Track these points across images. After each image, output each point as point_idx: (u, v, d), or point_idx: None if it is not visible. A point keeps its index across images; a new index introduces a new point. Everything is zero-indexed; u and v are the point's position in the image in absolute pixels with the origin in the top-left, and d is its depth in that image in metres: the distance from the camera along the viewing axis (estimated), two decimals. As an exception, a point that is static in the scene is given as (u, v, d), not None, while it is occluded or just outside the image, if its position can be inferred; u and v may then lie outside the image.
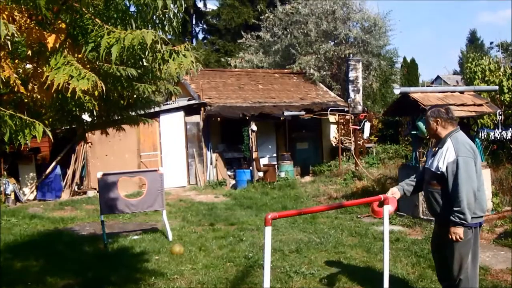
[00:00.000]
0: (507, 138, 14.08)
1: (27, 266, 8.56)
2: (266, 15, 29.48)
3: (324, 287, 6.97)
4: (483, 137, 14.27)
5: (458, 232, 5.13)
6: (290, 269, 7.64)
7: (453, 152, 5.22)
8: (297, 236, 9.92)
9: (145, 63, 4.11)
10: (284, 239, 9.66)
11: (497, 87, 15.05)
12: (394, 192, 5.82)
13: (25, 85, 3.67)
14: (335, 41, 27.20)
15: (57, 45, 3.48)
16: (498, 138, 14.18)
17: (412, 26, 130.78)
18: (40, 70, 3.62)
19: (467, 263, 5.32)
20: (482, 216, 5.40)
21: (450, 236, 5.18)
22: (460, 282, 5.38)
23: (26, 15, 3.48)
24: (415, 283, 6.87)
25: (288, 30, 27.82)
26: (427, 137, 11.12)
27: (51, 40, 3.43)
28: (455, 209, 5.09)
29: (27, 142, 3.58)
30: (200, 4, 42.68)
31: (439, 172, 5.30)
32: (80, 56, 3.68)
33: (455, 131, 5.43)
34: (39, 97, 3.87)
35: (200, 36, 44.73)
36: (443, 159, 5.29)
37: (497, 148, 15.94)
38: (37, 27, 3.48)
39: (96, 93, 3.54)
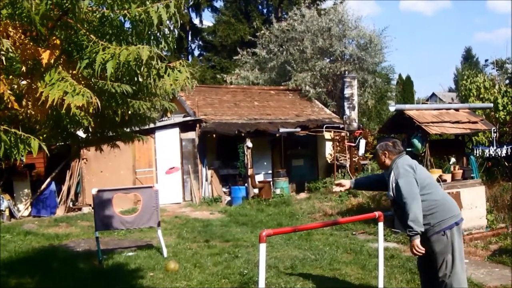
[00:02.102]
0: (502, 155, 14.12)
1: (22, 283, 8.51)
2: (262, 32, 29.62)
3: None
4: (477, 155, 14.31)
5: (413, 244, 5.35)
6: (285, 286, 7.63)
7: (394, 178, 5.51)
8: (292, 253, 9.89)
9: (140, 79, 4.11)
10: (279, 256, 9.63)
11: (491, 105, 15.14)
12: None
13: (19, 101, 3.66)
14: (331, 58, 27.31)
15: (52, 61, 3.48)
16: (493, 155, 14.22)
17: (408, 43, 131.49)
18: (35, 86, 3.61)
19: (450, 266, 5.42)
20: (453, 216, 5.51)
21: (410, 250, 5.45)
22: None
23: (20, 31, 3.48)
24: (410, 300, 6.86)
25: (284, 47, 27.93)
26: (422, 154, 11.16)
27: (45, 56, 3.43)
28: (406, 225, 5.32)
29: (22, 157, 3.57)
30: (196, 21, 42.77)
31: (391, 199, 5.59)
32: (74, 72, 3.67)
33: (398, 157, 5.69)
34: (33, 113, 3.86)
35: (196, 52, 44.86)
36: (390, 187, 5.56)
37: (491, 165, 15.97)
38: (31, 43, 3.48)
39: (91, 109, 3.53)
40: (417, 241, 5.31)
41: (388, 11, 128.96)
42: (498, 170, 15.47)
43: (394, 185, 5.47)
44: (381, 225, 5.70)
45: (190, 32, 42.49)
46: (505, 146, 14.11)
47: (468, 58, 66.64)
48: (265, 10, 41.44)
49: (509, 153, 14.02)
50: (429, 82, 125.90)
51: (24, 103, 3.82)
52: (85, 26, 3.66)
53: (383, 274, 6.32)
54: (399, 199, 5.38)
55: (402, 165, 5.56)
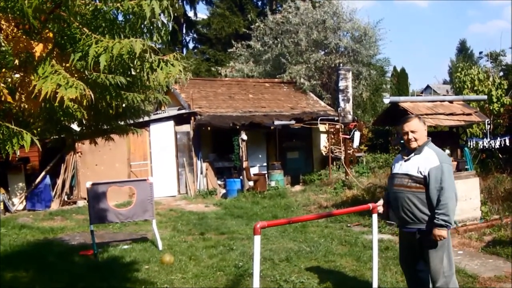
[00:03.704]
0: (496, 147, 14.17)
1: (17, 276, 8.50)
2: (257, 24, 29.59)
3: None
4: (472, 146, 14.36)
5: (443, 234, 5.27)
6: (280, 277, 7.64)
7: (436, 159, 5.35)
8: (287, 245, 9.91)
9: (133, 72, 4.11)
10: (274, 248, 9.65)
11: (485, 97, 15.17)
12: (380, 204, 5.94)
13: (12, 94, 3.66)
14: (326, 51, 27.31)
15: (45, 54, 3.47)
16: (487, 147, 14.28)
17: (402, 36, 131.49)
18: (28, 79, 3.60)
19: (448, 265, 5.42)
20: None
21: (434, 238, 5.30)
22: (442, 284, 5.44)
23: (13, 24, 3.47)
24: (405, 291, 6.88)
25: (278, 39, 27.91)
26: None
27: (38, 49, 3.42)
28: (440, 211, 5.23)
29: (15, 151, 3.57)
30: (190, 14, 42.73)
31: (421, 176, 5.39)
32: (68, 65, 3.66)
33: (430, 141, 5.59)
34: (27, 106, 3.85)
35: (191, 45, 44.86)
36: (425, 164, 5.39)
37: (485, 157, 16.03)
38: (24, 36, 3.47)
39: (85, 102, 3.53)
40: (446, 232, 5.28)
41: (382, 3, 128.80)
42: (492, 162, 15.52)
43: (434, 165, 5.32)
44: (375, 216, 5.71)
45: (184, 25, 42.44)
46: (498, 138, 14.17)
47: (463, 50, 66.58)
48: (259, 3, 41.44)
49: (503, 145, 14.08)
50: (424, 74, 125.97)
51: (17, 96, 3.81)
52: (78, 19, 3.65)
53: (378, 265, 6.33)
54: (438, 181, 5.28)
55: (442, 152, 5.54)
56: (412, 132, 5.51)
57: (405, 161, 5.62)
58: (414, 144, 5.53)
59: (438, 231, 5.25)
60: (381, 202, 5.91)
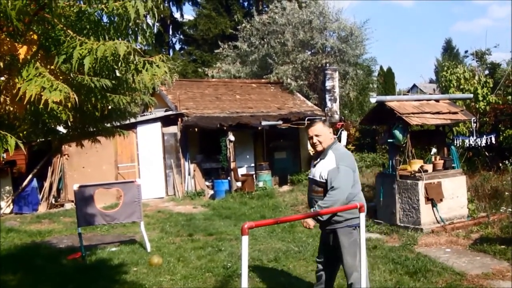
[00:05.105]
0: (482, 145, 14.25)
1: (5, 280, 8.46)
2: (243, 25, 29.52)
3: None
4: (458, 145, 14.42)
5: (309, 223, 5.72)
6: (269, 278, 7.64)
7: (334, 161, 5.60)
8: (275, 245, 9.92)
9: (118, 74, 4.09)
10: (263, 249, 9.66)
11: (471, 95, 15.24)
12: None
13: (-3, 97, 3.65)
14: (312, 51, 27.31)
15: (29, 57, 3.46)
16: (473, 145, 14.35)
17: (389, 35, 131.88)
18: (12, 82, 3.59)
19: (359, 260, 5.58)
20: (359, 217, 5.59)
21: (303, 225, 5.81)
22: (353, 282, 5.72)
23: (-4, 26, 3.46)
24: (393, 290, 6.91)
25: (265, 40, 27.87)
26: (404, 145, 11.20)
27: (22, 51, 3.41)
28: (319, 203, 5.55)
29: None
30: (177, 15, 42.61)
31: (323, 180, 5.66)
32: (52, 67, 3.65)
33: (335, 143, 5.84)
34: (12, 109, 3.84)
35: (177, 46, 44.69)
36: (325, 168, 5.65)
37: (472, 155, 16.10)
38: (8, 39, 3.46)
39: (70, 104, 3.52)
40: (313, 223, 5.77)
41: (367, 3, 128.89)
42: (479, 160, 15.60)
43: (331, 167, 5.57)
44: (363, 215, 5.72)
45: (171, 26, 42.33)
46: (485, 136, 14.24)
47: (448, 49, 66.79)
48: (245, 3, 41.30)
49: (489, 143, 14.16)
50: (410, 73, 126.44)
51: (2, 99, 3.80)
52: (62, 21, 3.64)
53: (366, 264, 6.36)
54: (331, 181, 5.53)
55: (344, 153, 5.77)
56: (316, 136, 5.80)
57: (314, 166, 5.92)
58: (319, 147, 5.81)
59: (308, 220, 5.71)
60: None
